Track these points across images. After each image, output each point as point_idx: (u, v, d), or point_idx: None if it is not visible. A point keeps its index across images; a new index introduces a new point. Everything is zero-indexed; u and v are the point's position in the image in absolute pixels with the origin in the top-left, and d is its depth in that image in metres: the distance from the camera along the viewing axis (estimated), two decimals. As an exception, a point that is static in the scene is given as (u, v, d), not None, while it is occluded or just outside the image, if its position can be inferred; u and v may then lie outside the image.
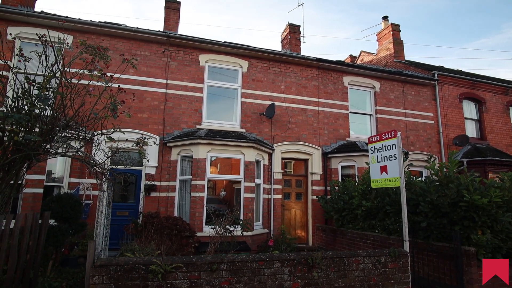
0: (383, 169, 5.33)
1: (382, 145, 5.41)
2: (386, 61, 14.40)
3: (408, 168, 6.72)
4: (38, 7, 8.16)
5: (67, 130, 4.46)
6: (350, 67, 11.27)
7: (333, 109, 10.86)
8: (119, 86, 5.15)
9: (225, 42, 9.85)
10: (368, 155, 9.51)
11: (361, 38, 65.40)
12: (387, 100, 11.60)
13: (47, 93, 3.99)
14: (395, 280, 4.50)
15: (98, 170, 4.56)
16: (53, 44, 4.79)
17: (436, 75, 12.11)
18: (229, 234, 6.73)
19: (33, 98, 3.84)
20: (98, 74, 4.57)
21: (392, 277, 4.50)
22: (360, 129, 11.42)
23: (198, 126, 9.26)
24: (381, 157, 5.40)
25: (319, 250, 9.08)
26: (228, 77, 10.05)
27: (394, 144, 5.13)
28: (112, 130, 8.43)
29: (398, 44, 14.14)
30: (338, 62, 11.25)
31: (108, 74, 5.09)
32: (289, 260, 4.02)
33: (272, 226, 9.38)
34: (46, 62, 4.42)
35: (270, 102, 10.01)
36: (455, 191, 5.33)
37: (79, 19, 8.67)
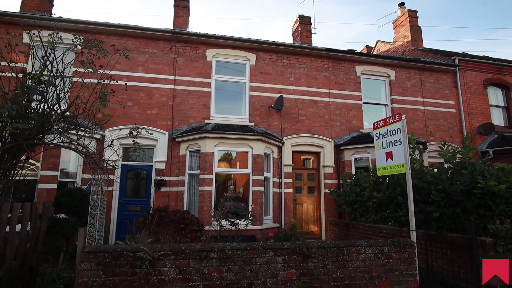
0: (388, 155, 5.04)
1: (387, 130, 5.12)
2: (403, 49, 13.76)
3: (419, 155, 6.33)
4: (54, 11, 8.67)
5: (64, 123, 4.52)
6: (362, 56, 10.87)
7: (345, 100, 10.51)
8: (111, 76, 5.11)
9: (231, 36, 9.80)
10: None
11: (377, 27, 63.17)
12: (403, 89, 11.07)
13: (34, 84, 4.06)
14: (400, 272, 4.23)
15: (92, 160, 4.61)
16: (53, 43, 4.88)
17: (456, 60, 11.41)
18: (234, 228, 6.65)
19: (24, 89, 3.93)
20: (89, 65, 4.54)
21: (396, 269, 4.23)
22: (374, 120, 10.92)
23: (206, 121, 9.27)
24: (386, 143, 5.12)
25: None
26: (236, 71, 9.98)
27: (399, 128, 4.83)
28: (122, 127, 8.62)
29: (415, 31, 13.47)
30: (350, 52, 10.88)
31: (108, 72, 5.10)
32: (283, 249, 3.88)
33: (283, 220, 9.22)
34: (48, 58, 4.50)
35: (279, 95, 9.84)
36: (469, 177, 4.95)
37: (89, 20, 8.94)
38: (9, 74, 4.50)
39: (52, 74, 4.27)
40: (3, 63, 4.45)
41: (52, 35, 4.44)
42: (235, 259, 3.73)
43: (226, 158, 8.86)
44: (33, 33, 4.90)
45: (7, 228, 3.77)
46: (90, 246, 3.56)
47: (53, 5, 11.47)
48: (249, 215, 6.90)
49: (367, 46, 17.10)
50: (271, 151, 9.30)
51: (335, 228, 9.11)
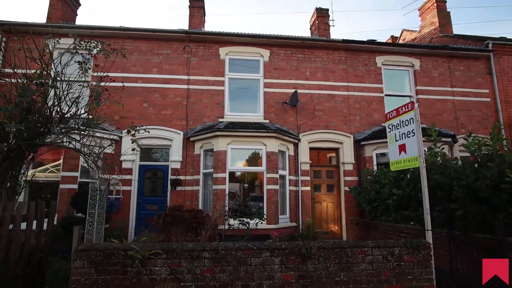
0: (402, 148, 4.63)
1: (400, 121, 4.72)
2: (430, 37, 12.85)
3: (442, 148, 5.79)
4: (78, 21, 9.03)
5: (66, 124, 4.61)
6: (382, 45, 10.26)
7: (365, 93, 9.98)
8: (107, 75, 5.16)
9: (243, 32, 9.67)
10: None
11: (402, 15, 59.93)
12: (430, 79, 10.31)
13: (29, 86, 4.16)
14: (413, 276, 3.85)
15: (90, 160, 4.67)
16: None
17: (490, 45, 10.43)
18: (245, 227, 6.50)
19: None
20: (84, 67, 4.60)
21: (409, 272, 3.85)
22: (399, 113, 10.31)
23: (220, 119, 9.21)
24: (399, 135, 4.71)
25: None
26: (250, 68, 9.84)
27: (412, 118, 4.42)
28: (138, 128, 8.78)
29: (443, 16, 12.51)
30: (369, 42, 10.32)
31: (107, 74, 5.16)
32: (280, 250, 3.66)
33: (301, 219, 8.93)
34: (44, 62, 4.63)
35: (294, 90, 9.55)
36: (496, 171, 4.41)
37: (105, 26, 9.23)
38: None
39: (51, 76, 4.35)
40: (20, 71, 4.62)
41: (52, 41, 4.51)
42: (229, 259, 3.58)
43: (240, 156, 8.74)
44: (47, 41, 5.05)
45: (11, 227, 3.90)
46: (83, 244, 3.58)
47: (76, 15, 12.02)
48: (258, 214, 6.70)
49: (392, 36, 16.23)
50: (287, 148, 9.04)
51: (356, 228, 8.67)
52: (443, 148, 5.80)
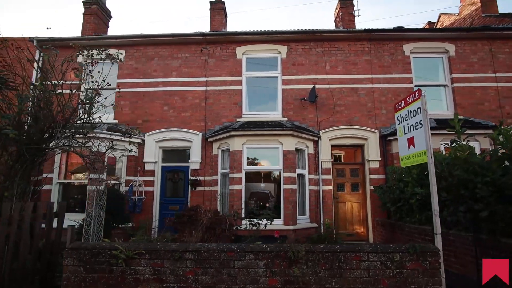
0: (410, 141, 4.17)
1: (408, 111, 4.25)
2: (471, 18, 11.57)
3: (468, 141, 5.11)
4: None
5: (70, 129, 4.85)
6: (410, 32, 9.43)
7: (391, 85, 9.28)
8: (104, 80, 5.33)
9: (259, 30, 9.54)
10: (438, 133, 7.90)
11: None
12: (468, 65, 9.26)
13: (26, 94, 4.44)
14: (417, 286, 3.42)
15: (88, 161, 4.87)
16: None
17: (543, 21, 9.08)
18: (255, 227, 6.38)
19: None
20: (78, 73, 4.80)
21: (413, 281, 3.44)
22: (432, 104, 9.43)
23: (238, 119, 9.18)
24: (408, 127, 4.24)
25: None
26: (267, 65, 9.68)
27: (419, 108, 3.95)
28: (159, 131, 9.06)
29: (486, -7, 11.19)
30: (394, 29, 9.57)
31: (104, 80, 5.38)
32: (265, 252, 3.50)
33: (322, 220, 8.55)
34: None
35: (312, 86, 9.20)
36: None
37: (127, 34, 9.70)
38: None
39: (42, 85, 4.61)
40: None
41: (53, 52, 4.79)
42: (212, 261, 3.49)
43: (257, 156, 8.62)
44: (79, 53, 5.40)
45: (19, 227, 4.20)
46: (74, 243, 3.73)
47: (108, 26, 12.80)
48: (267, 214, 6.50)
49: (429, 22, 14.92)
50: (305, 146, 8.72)
51: (382, 229, 8.09)
52: (468, 141, 5.12)
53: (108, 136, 8.08)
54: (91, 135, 5.08)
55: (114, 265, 3.52)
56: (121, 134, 5.59)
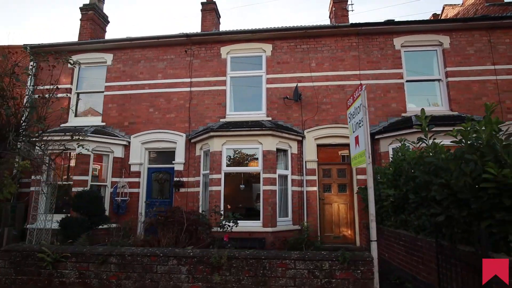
0: (356, 140, 3.93)
1: (354, 108, 4.00)
2: (475, 8, 10.88)
3: (434, 138, 4.74)
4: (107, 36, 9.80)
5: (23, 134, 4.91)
6: (401, 25, 8.96)
7: (380, 81, 8.87)
8: (53, 84, 5.36)
9: (243, 29, 9.41)
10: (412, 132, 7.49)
11: None
12: (463, 57, 8.68)
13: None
14: (348, 295, 3.21)
15: (34, 164, 4.93)
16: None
17: (547, 7, 8.35)
18: (222, 230, 6.26)
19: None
20: (16, 76, 4.84)
21: (343, 291, 3.22)
22: (425, 100, 8.97)
23: (222, 120, 9.10)
24: (354, 125, 4.00)
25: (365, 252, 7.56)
26: (252, 64, 9.53)
27: (361, 105, 3.70)
28: (145, 132, 9.12)
29: (490, -20, 10.46)
30: (384, 23, 9.13)
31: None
32: (188, 258, 3.39)
33: (306, 222, 8.30)
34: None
35: (299, 85, 8.96)
36: (479, 165, 3.43)
37: (115, 38, 9.87)
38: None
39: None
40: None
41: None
42: (135, 265, 3.43)
43: (237, 157, 8.50)
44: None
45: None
46: (9, 245, 3.77)
47: (105, 31, 13.10)
48: (233, 216, 6.35)
49: (434, 14, 14.20)
50: (289, 146, 8.51)
51: (367, 233, 7.72)
52: (435, 139, 4.75)
53: (59, 138, 8.15)
54: (47, 139, 5.13)
55: (43, 267, 3.54)
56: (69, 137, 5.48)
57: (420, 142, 4.96)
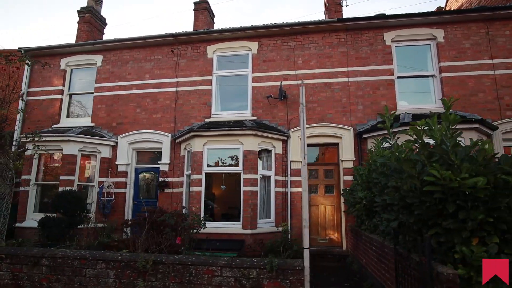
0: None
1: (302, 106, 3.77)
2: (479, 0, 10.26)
3: (397, 137, 4.44)
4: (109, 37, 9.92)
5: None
6: (392, 19, 8.54)
7: (369, 78, 8.50)
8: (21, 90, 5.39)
9: (228, 27, 9.26)
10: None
11: None
12: (459, 51, 8.18)
13: None
14: (277, 306, 3.01)
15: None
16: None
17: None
18: (193, 231, 6.14)
19: None
20: None
21: (272, 301, 3.03)
22: (417, 97, 8.52)
23: (207, 120, 9.00)
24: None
25: (348, 257, 7.26)
26: (238, 63, 9.38)
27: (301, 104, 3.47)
28: (132, 133, 9.14)
29: (494, -31, 9.83)
30: (374, 17, 8.73)
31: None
32: (116, 261, 3.29)
33: (290, 224, 8.07)
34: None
35: (284, 83, 8.74)
36: (422, 166, 3.16)
37: (103, 40, 10.00)
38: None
39: None
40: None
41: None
42: (65, 268, 3.36)
43: (219, 157, 8.36)
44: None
45: None
46: (-49, 245, 3.79)
47: (103, 33, 13.29)
48: (197, 219, 6.21)
49: (438, 7, 13.55)
50: (272, 146, 8.30)
51: (352, 236, 7.44)
52: (398, 137, 4.45)
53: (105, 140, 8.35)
54: None
55: (-23, 269, 3.52)
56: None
57: (384, 143, 4.70)
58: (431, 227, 3.12)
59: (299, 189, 8.30)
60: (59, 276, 3.38)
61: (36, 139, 6.03)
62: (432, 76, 8.37)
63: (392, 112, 8.09)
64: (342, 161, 8.26)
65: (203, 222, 6.15)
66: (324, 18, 11.25)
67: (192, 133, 8.02)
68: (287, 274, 3.03)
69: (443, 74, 8.16)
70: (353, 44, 8.75)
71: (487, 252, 2.77)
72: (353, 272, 6.43)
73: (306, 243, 3.08)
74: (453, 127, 3.37)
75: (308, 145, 8.55)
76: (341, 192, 7.72)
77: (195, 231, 6.00)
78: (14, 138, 8.99)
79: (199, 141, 8.03)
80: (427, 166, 3.14)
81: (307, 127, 8.47)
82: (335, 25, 8.77)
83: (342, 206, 8.14)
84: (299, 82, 8.57)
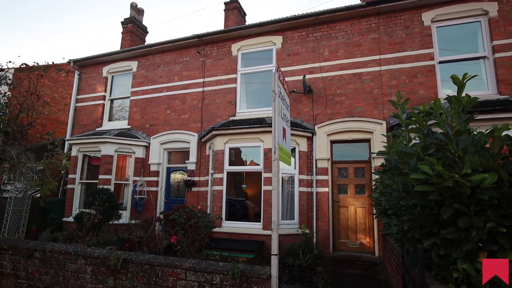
0: (284, 132, 3.33)
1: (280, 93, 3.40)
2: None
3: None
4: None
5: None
6: (430, -5, 7.49)
7: (405, 64, 7.58)
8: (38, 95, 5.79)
9: (252, 23, 9.08)
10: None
11: None
12: (518, 25, 6.83)
13: None
14: (241, 317, 2.73)
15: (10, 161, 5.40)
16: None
17: None
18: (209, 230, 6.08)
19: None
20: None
21: (236, 311, 2.76)
22: (467, 83, 7.31)
23: (232, 118, 8.93)
24: (283, 117, 3.39)
25: (379, 265, 6.55)
26: (262, 59, 9.14)
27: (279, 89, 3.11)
28: (163, 133, 9.53)
29: None
30: (409, -4, 7.75)
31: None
32: (93, 258, 3.33)
33: (315, 226, 7.58)
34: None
35: (309, 76, 8.27)
36: (416, 161, 2.60)
37: (135, 47, 10.55)
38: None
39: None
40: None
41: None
42: (52, 262, 3.51)
43: (243, 155, 8.21)
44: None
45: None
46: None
47: (144, 41, 14.15)
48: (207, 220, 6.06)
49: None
50: (296, 143, 7.88)
51: (383, 241, 6.68)
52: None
53: (139, 141, 9.01)
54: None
55: (-14, 258, 3.85)
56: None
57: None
58: (430, 235, 2.54)
59: (326, 189, 7.76)
60: (47, 269, 3.54)
61: (77, 142, 6.60)
62: (484, 57, 7.13)
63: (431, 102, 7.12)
64: (374, 158, 7.49)
65: (213, 221, 6.02)
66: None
67: (214, 132, 8.00)
68: (252, 283, 2.72)
69: (497, 55, 6.89)
70: (386, 28, 7.89)
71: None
72: (379, 282, 5.75)
73: (275, 248, 2.73)
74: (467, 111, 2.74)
75: (336, 141, 7.99)
76: (369, 193, 6.99)
77: (208, 229, 5.91)
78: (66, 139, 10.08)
79: (221, 140, 7.98)
80: (424, 161, 2.58)
81: (333, 122, 7.91)
82: (365, 10, 8.00)
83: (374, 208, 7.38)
84: (326, 74, 8.05)
